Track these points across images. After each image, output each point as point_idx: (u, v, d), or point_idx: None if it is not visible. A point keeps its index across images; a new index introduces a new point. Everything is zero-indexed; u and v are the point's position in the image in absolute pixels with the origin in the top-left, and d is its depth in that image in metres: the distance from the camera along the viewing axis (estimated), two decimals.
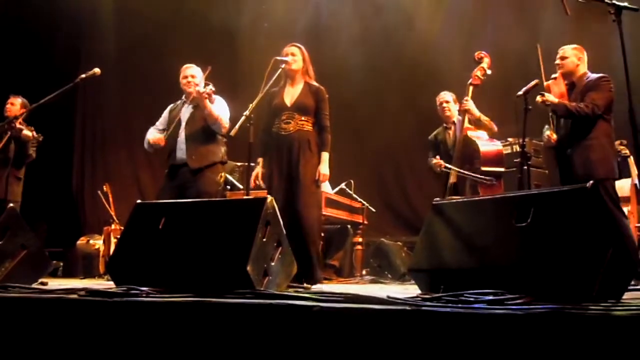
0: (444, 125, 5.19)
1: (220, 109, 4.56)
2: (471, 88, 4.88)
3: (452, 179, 4.76)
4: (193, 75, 4.68)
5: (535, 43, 4.61)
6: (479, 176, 4.66)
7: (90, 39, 8.74)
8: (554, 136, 4.38)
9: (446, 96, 5.16)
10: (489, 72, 4.92)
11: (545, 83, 4.37)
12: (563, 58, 4.38)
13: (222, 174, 4.76)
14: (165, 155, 4.66)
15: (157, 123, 4.79)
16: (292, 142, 4.20)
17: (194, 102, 4.61)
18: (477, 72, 4.88)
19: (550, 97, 4.26)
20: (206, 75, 4.66)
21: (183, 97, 4.75)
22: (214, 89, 4.47)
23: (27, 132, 5.41)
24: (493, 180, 4.66)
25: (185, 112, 4.65)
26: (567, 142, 4.30)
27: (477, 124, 4.85)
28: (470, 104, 4.82)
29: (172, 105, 4.82)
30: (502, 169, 4.82)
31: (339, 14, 8.11)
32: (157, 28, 8.34)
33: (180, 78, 4.72)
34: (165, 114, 4.79)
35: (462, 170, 4.71)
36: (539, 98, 4.24)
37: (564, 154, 4.32)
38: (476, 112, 4.83)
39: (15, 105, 5.61)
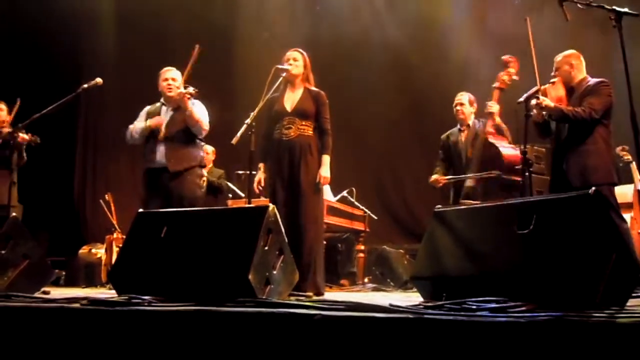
0: (458, 127, 5.10)
1: (200, 112, 4.54)
2: (497, 92, 4.73)
3: (470, 183, 4.70)
4: (174, 78, 4.64)
5: (536, 49, 4.56)
6: (483, 174, 4.57)
7: (91, 48, 8.76)
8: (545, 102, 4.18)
9: (462, 98, 5.04)
10: (515, 77, 4.76)
11: (542, 87, 4.29)
12: (556, 69, 4.34)
13: (204, 178, 4.70)
14: (142, 157, 4.61)
15: (136, 123, 4.70)
16: (294, 147, 4.19)
17: (174, 105, 4.57)
18: (504, 77, 4.73)
19: (547, 101, 4.17)
20: (195, 55, 4.53)
21: (161, 100, 4.70)
22: (193, 91, 4.45)
23: (24, 136, 5.40)
24: (496, 173, 4.51)
25: (165, 115, 4.60)
26: (564, 148, 4.24)
27: (497, 129, 4.70)
28: (495, 108, 4.69)
29: (149, 107, 4.75)
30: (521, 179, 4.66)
31: (338, 22, 8.13)
32: (158, 37, 8.37)
33: (160, 81, 4.67)
34: (143, 114, 4.70)
35: (467, 175, 4.66)
36: (534, 101, 4.14)
37: (560, 159, 4.26)
38: (497, 118, 4.71)
39: (4, 110, 5.65)
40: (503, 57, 4.87)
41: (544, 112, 4.23)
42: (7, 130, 5.37)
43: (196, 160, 4.58)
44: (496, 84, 4.79)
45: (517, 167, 4.54)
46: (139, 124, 4.65)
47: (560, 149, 4.28)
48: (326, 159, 4.21)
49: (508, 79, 4.76)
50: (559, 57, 4.36)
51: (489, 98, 4.81)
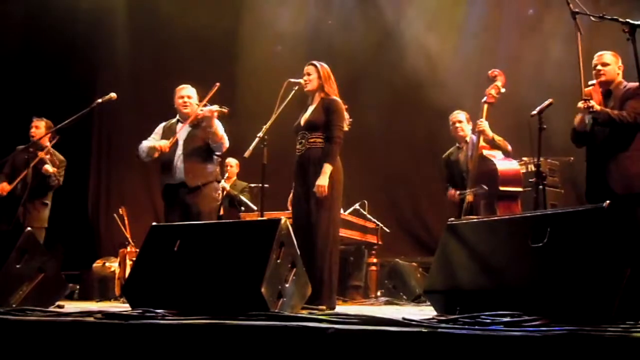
0: (457, 144, 5.19)
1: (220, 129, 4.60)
2: (486, 106, 4.84)
3: (469, 198, 4.73)
4: (189, 95, 4.71)
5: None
6: (484, 187, 4.61)
7: (105, 64, 8.87)
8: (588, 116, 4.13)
9: (459, 115, 5.15)
10: (503, 90, 4.86)
11: (585, 89, 4.17)
12: (605, 64, 4.18)
13: (219, 192, 4.81)
14: (159, 173, 4.69)
15: (150, 138, 4.77)
16: (304, 161, 4.20)
17: (194, 121, 4.62)
18: (492, 91, 4.84)
19: (595, 104, 4.06)
20: (213, 92, 4.64)
21: (177, 117, 4.76)
22: (226, 109, 4.52)
23: (48, 168, 5.49)
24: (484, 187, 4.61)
25: (182, 131, 4.64)
26: (602, 155, 4.10)
27: (491, 144, 4.82)
28: (484, 125, 4.79)
29: (165, 123, 4.81)
30: (520, 189, 4.74)
31: (351, 38, 8.17)
32: (172, 52, 8.47)
33: (176, 98, 4.73)
34: (159, 130, 4.77)
35: (473, 190, 4.68)
36: (581, 104, 4.02)
37: (598, 165, 4.12)
38: (490, 133, 4.80)
39: (40, 128, 5.66)
40: (489, 72, 4.97)
41: (590, 116, 4.10)
42: (41, 154, 5.47)
43: (212, 175, 4.67)
44: (484, 99, 4.88)
45: (513, 178, 4.65)
46: (147, 143, 4.69)
47: (598, 157, 4.13)
48: (326, 168, 4.10)
49: (496, 92, 4.88)
50: (607, 55, 4.22)
51: (480, 114, 4.85)
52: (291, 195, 4.39)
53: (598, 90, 4.22)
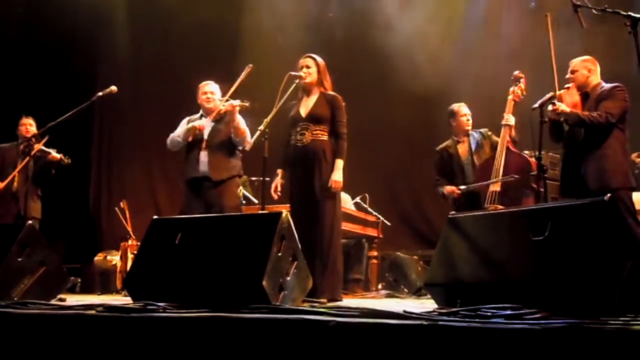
0: (455, 138, 5.14)
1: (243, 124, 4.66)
2: (512, 104, 4.84)
3: (495, 188, 4.69)
4: (212, 91, 4.81)
5: (550, 55, 4.52)
6: (511, 176, 4.61)
7: (106, 57, 8.85)
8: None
9: (466, 109, 5.12)
10: (525, 93, 4.88)
11: (557, 92, 4.31)
12: (573, 72, 4.35)
13: (240, 188, 4.83)
14: (182, 168, 4.73)
15: (176, 132, 4.85)
16: (307, 153, 4.20)
17: (217, 117, 4.69)
18: (517, 90, 4.85)
19: (562, 106, 4.18)
20: (247, 73, 4.69)
21: (200, 112, 4.84)
22: (247, 103, 4.56)
23: (55, 154, 5.53)
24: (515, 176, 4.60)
25: (207, 126, 4.71)
26: (579, 153, 4.24)
27: (513, 141, 4.80)
28: (513, 121, 4.77)
29: (188, 117, 4.88)
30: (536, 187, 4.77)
31: (351, 30, 8.14)
32: (172, 45, 8.44)
33: (199, 94, 4.82)
34: (184, 125, 4.84)
35: (499, 179, 4.65)
36: (550, 107, 4.18)
37: (574, 163, 4.26)
38: (513, 131, 4.79)
39: (33, 125, 5.78)
40: (515, 73, 4.97)
41: (560, 118, 4.26)
42: (38, 147, 5.49)
43: (236, 170, 4.73)
44: (511, 97, 4.88)
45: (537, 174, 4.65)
46: (180, 129, 4.78)
47: (575, 154, 4.28)
48: (339, 163, 4.19)
49: (521, 93, 4.87)
50: (576, 61, 4.38)
51: (506, 110, 4.85)
52: (277, 183, 4.37)
53: (574, 93, 4.34)
